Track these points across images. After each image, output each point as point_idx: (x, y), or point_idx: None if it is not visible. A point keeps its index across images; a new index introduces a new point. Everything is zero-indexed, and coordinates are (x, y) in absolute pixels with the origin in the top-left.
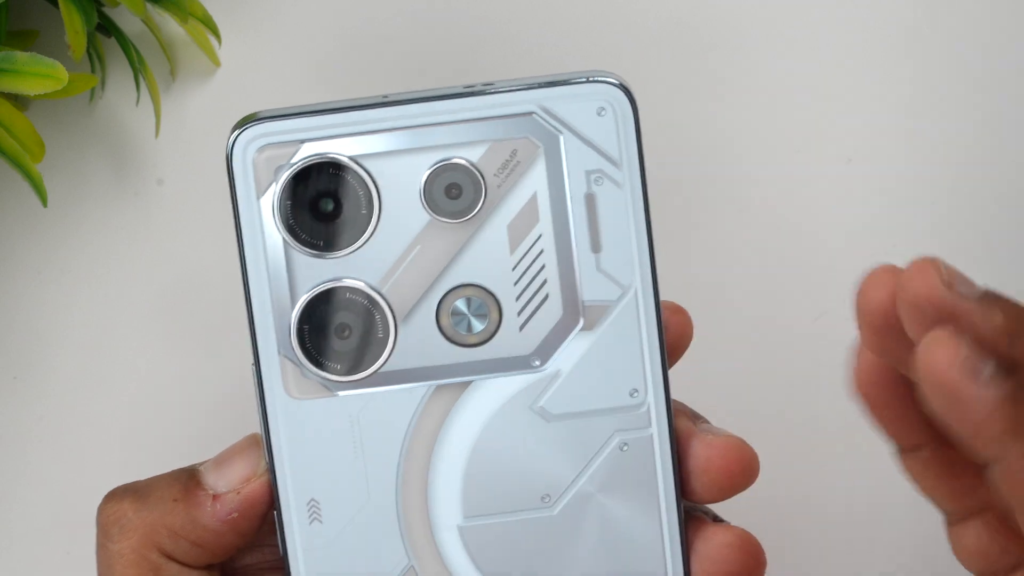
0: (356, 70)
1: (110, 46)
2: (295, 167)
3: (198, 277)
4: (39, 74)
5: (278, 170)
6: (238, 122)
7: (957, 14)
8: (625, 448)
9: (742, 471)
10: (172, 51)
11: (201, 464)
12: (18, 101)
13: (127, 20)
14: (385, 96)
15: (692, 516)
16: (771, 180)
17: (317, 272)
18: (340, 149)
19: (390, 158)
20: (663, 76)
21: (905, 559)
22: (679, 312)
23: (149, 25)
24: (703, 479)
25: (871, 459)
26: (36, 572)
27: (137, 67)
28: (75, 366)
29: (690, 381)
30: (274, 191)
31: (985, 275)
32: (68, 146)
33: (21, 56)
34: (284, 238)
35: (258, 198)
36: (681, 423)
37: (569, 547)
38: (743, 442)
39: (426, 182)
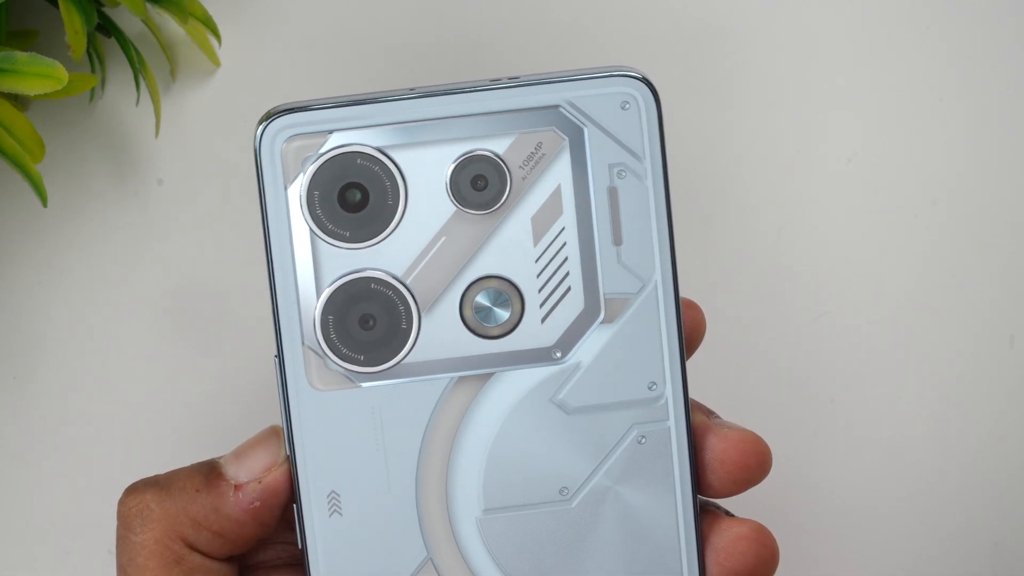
0: (355, 70)
1: (110, 46)
2: (323, 157)
3: (198, 276)
4: (39, 74)
5: (306, 160)
6: (266, 113)
7: (957, 14)
8: (643, 441)
9: (757, 464)
10: (172, 51)
11: (220, 457)
12: (18, 101)
13: (127, 20)
14: (412, 88)
15: (706, 510)
16: (771, 180)
17: (342, 262)
18: (368, 140)
19: (417, 149)
20: (661, 75)
21: (903, 552)
22: (693, 307)
23: (149, 25)
24: (719, 472)
25: (870, 456)
26: (36, 572)
27: (137, 67)
28: (75, 366)
29: (690, 379)
30: (301, 181)
31: (984, 275)
32: (68, 146)
33: (21, 56)
34: (310, 228)
35: (285, 188)
36: (696, 417)
37: (586, 539)
38: (758, 436)
39: (452, 173)
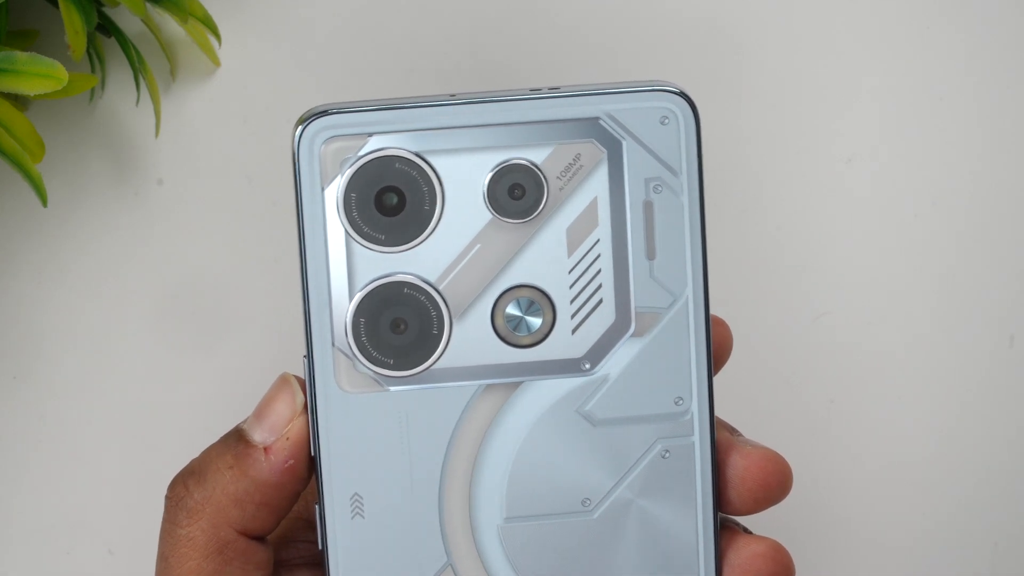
0: (355, 70)
1: (110, 46)
2: (362, 160)
3: (198, 277)
4: (39, 74)
5: (344, 162)
6: (304, 114)
7: (958, 14)
8: (667, 455)
9: (778, 484)
10: (172, 51)
11: (244, 421)
12: (18, 101)
13: (127, 20)
14: (453, 95)
15: (724, 526)
16: (771, 180)
17: (376, 266)
18: (407, 144)
19: (456, 156)
20: (663, 75)
21: (903, 551)
22: (721, 325)
23: (149, 25)
24: (740, 489)
25: (869, 456)
26: (36, 572)
27: (137, 67)
28: (75, 366)
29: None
30: (339, 183)
31: (984, 275)
32: (68, 146)
33: (21, 56)
34: (346, 230)
35: (323, 189)
36: (720, 434)
37: (605, 552)
38: (780, 456)
39: (490, 181)
